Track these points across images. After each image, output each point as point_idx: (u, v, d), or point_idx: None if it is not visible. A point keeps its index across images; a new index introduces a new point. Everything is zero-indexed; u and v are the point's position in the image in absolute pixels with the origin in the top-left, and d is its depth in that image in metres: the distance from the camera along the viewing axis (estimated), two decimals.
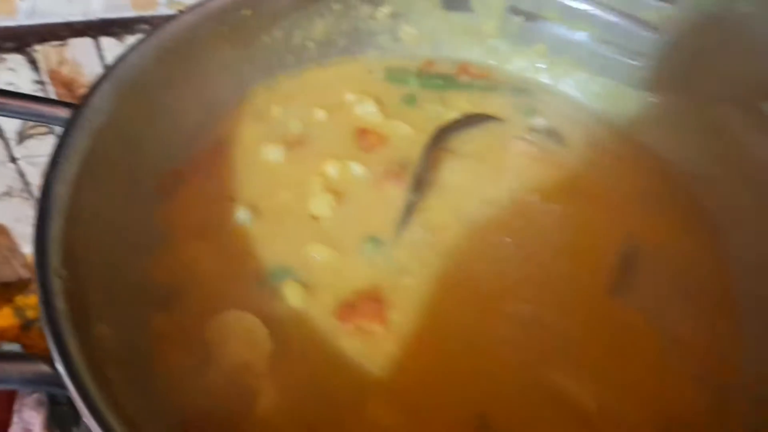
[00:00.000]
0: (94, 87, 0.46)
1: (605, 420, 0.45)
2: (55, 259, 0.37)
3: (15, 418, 0.83)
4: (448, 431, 0.44)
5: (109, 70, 0.47)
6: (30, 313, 1.02)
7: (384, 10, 0.65)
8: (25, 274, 1.04)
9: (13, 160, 0.83)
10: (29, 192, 0.89)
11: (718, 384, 0.48)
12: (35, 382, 0.34)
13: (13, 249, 0.98)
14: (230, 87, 0.59)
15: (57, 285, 0.36)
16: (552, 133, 0.62)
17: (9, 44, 0.70)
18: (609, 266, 0.53)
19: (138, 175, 0.50)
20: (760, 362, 0.48)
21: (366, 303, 0.49)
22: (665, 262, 0.55)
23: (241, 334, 0.45)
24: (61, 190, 0.40)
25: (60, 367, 0.33)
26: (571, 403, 0.46)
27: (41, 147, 0.82)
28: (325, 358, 0.46)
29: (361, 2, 0.63)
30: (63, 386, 0.34)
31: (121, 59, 0.48)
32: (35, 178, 0.87)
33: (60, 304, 0.35)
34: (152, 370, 0.43)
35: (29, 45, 0.70)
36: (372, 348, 0.47)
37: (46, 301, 0.35)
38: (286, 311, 0.47)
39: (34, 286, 1.03)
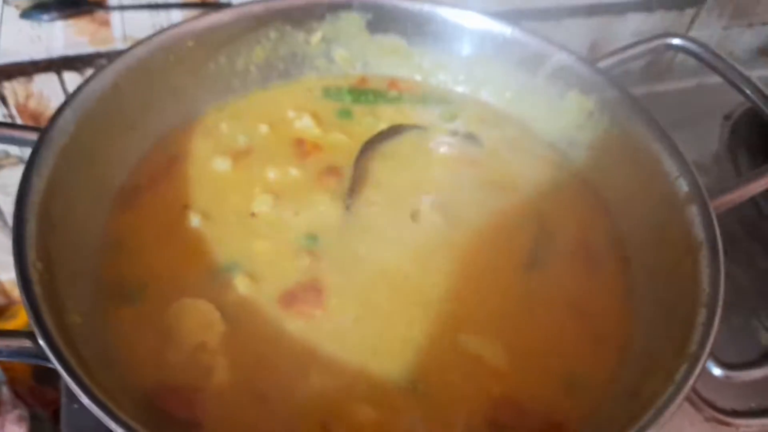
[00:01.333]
0: (58, 111, 0.53)
1: (515, 374, 0.53)
2: (31, 252, 0.44)
3: None
4: (383, 394, 0.51)
5: (70, 96, 0.54)
6: None
7: (317, 36, 0.73)
8: (1, 300, 1.09)
9: None
10: (4, 221, 0.95)
11: (618, 344, 0.57)
12: (20, 354, 0.40)
13: None
14: (182, 109, 0.66)
15: (34, 274, 0.43)
16: (470, 136, 0.71)
17: None
18: (523, 246, 0.62)
19: (100, 187, 0.57)
20: (650, 325, 0.56)
21: (306, 292, 0.56)
22: (570, 241, 0.63)
23: (196, 318, 0.52)
24: (34, 198, 0.47)
25: (42, 342, 0.40)
26: (485, 363, 0.53)
27: (12, 176, 0.88)
28: (271, 337, 0.53)
29: (294, 30, 0.71)
30: (44, 358, 0.40)
31: (81, 87, 0.55)
32: (9, 207, 0.93)
33: (38, 290, 0.42)
34: (119, 351, 0.50)
35: None
36: (313, 328, 0.54)
37: (26, 288, 0.42)
38: (236, 298, 0.54)
39: (11, 311, 1.08)
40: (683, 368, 0.44)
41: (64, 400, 0.66)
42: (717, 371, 0.73)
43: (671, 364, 0.45)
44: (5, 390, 0.94)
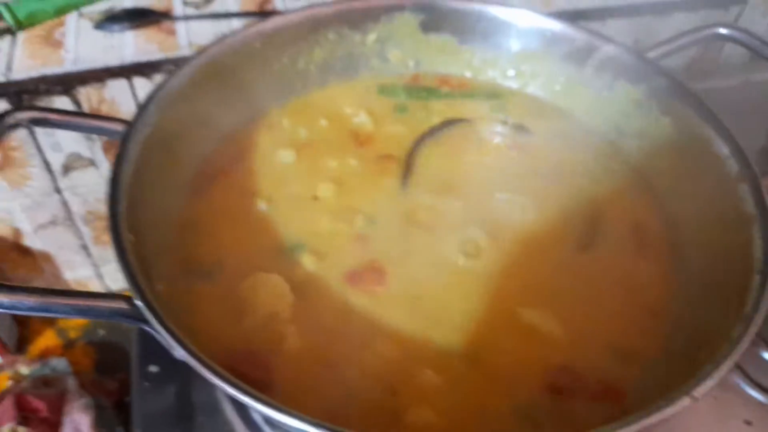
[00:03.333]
0: (144, 105, 0.57)
1: (571, 345, 0.55)
2: (124, 226, 0.48)
3: (66, 420, 0.92)
4: (446, 362, 0.54)
5: (154, 91, 0.59)
6: (72, 334, 1.13)
7: (372, 37, 0.77)
8: None
9: (59, 191, 0.95)
10: (71, 220, 1.01)
11: (670, 318, 0.58)
12: (117, 314, 0.44)
13: (57, 275, 1.09)
14: (248, 106, 0.71)
15: (127, 245, 0.47)
16: (520, 127, 0.74)
17: (57, 88, 0.82)
18: (576, 229, 0.64)
19: (177, 174, 0.61)
20: (701, 298, 0.58)
21: (368, 273, 0.59)
22: (621, 224, 0.65)
23: (268, 290, 0.56)
24: (124, 180, 0.52)
25: (139, 302, 0.44)
26: (542, 334, 0.56)
27: (84, 178, 0.94)
28: (337, 309, 0.56)
29: (351, 31, 0.75)
30: (140, 318, 0.44)
31: (163, 84, 0.60)
32: (78, 207, 0.99)
33: (132, 258, 0.46)
34: (197, 320, 0.53)
35: (74, 88, 0.83)
36: (376, 303, 0.57)
37: (122, 256, 0.46)
38: (303, 274, 0.58)
39: None
40: (738, 328, 0.45)
41: (135, 379, 0.70)
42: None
43: (727, 327, 0.46)
44: (71, 380, 0.99)
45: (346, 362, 0.53)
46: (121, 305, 0.45)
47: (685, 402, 0.41)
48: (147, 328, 0.45)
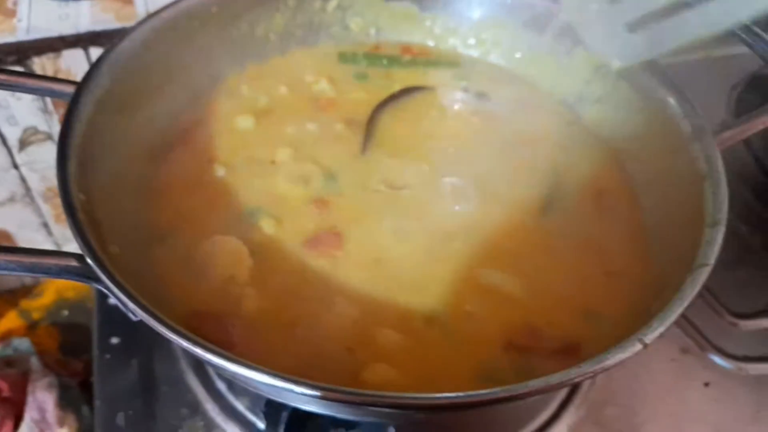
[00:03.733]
0: (94, 65, 0.56)
1: (533, 304, 0.56)
2: (74, 185, 0.47)
3: (29, 399, 0.91)
4: (406, 322, 0.54)
5: (104, 53, 0.58)
6: (35, 315, 1.11)
7: (333, 4, 0.76)
8: (28, 279, 1.13)
9: (16, 166, 0.93)
10: (31, 197, 0.99)
11: (632, 278, 0.59)
12: (67, 272, 0.43)
13: None
14: (206, 72, 0.69)
15: (78, 203, 0.46)
16: (481, 95, 0.74)
17: (11, 58, 0.80)
18: (538, 192, 0.64)
19: (134, 139, 0.60)
20: (661, 256, 0.59)
21: (328, 236, 0.59)
22: (583, 187, 0.66)
23: (226, 253, 0.55)
24: (74, 140, 0.50)
25: (90, 261, 0.43)
26: (504, 294, 0.56)
27: (41, 153, 0.92)
28: (296, 271, 0.56)
29: None
30: (91, 277, 0.44)
31: (114, 45, 0.59)
32: (37, 184, 0.97)
33: (82, 216, 0.45)
34: (154, 284, 0.53)
35: (28, 57, 0.81)
36: (336, 266, 0.57)
37: (72, 213, 0.45)
38: (262, 237, 0.57)
39: (38, 289, 1.12)
40: (689, 278, 0.46)
41: (96, 351, 0.69)
42: (728, 319, 0.76)
43: (678, 280, 0.47)
44: (35, 360, 0.97)
45: (305, 323, 0.53)
46: (71, 262, 0.44)
47: (636, 347, 0.42)
48: (98, 287, 0.44)
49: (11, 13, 0.82)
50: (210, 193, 0.61)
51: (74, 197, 0.46)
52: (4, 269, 0.41)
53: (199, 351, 0.40)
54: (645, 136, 0.65)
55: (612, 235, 0.62)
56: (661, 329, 0.42)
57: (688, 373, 0.73)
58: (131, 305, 0.41)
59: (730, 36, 0.68)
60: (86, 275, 0.44)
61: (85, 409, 0.95)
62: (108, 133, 0.56)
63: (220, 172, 0.62)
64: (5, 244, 1.04)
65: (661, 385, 0.71)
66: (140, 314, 0.41)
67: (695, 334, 0.74)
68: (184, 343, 0.41)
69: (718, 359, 0.73)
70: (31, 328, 1.09)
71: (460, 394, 0.38)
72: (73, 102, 0.53)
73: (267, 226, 0.58)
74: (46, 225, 1.04)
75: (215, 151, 0.64)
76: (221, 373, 0.63)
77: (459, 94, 0.74)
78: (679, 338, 0.73)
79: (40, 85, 0.56)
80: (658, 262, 0.58)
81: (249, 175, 0.62)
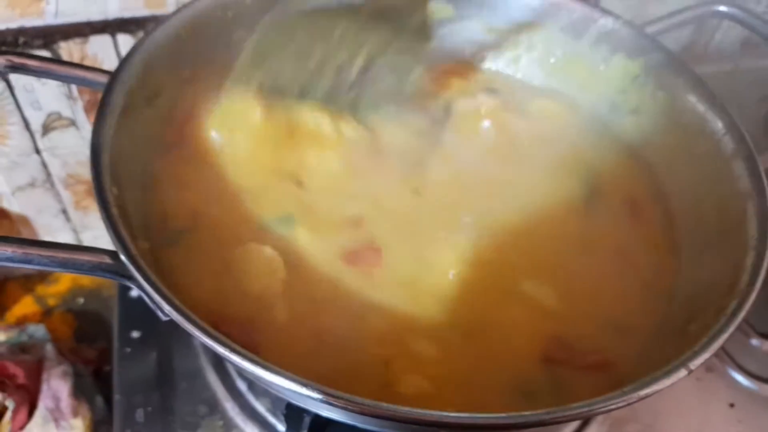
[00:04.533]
0: (128, 55, 0.55)
1: (566, 316, 0.55)
2: (107, 178, 0.46)
3: (44, 387, 0.90)
4: (441, 334, 0.53)
5: (138, 43, 0.57)
6: (51, 301, 1.10)
7: None
8: None
9: (38, 151, 0.92)
10: (51, 183, 0.98)
11: (665, 291, 0.58)
12: (100, 269, 0.43)
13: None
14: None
15: (111, 198, 0.45)
16: (515, 100, 0.73)
17: (37, 41, 0.79)
18: (571, 200, 0.63)
19: (159, 134, 0.59)
20: (697, 272, 0.57)
21: (366, 251, 0.58)
22: (617, 196, 0.65)
23: (261, 262, 0.54)
24: (107, 131, 0.50)
25: (124, 257, 0.42)
26: (537, 304, 0.55)
27: (64, 139, 0.91)
28: (330, 285, 0.55)
29: None
30: (123, 274, 0.43)
31: (148, 35, 0.58)
32: (58, 170, 0.96)
33: (115, 211, 0.45)
34: (182, 283, 0.52)
35: (55, 42, 0.80)
36: (371, 282, 0.55)
37: (106, 208, 0.44)
38: (297, 248, 0.56)
39: (54, 276, 1.11)
40: (734, 303, 0.45)
41: (116, 344, 0.69)
42: (754, 341, 0.75)
43: (721, 302, 0.46)
44: (49, 347, 0.96)
45: (337, 333, 0.52)
46: (104, 259, 0.43)
47: (681, 374, 0.41)
48: (130, 285, 0.43)
49: None
50: (237, 195, 0.60)
51: (108, 191, 0.45)
52: (37, 264, 0.41)
53: (229, 354, 0.39)
54: (683, 150, 0.64)
55: (646, 246, 0.61)
56: (706, 355, 0.41)
57: (712, 392, 0.72)
58: (166, 307, 0.40)
59: (759, 47, 0.66)
60: (119, 273, 0.43)
61: (98, 400, 0.94)
62: (137, 125, 0.55)
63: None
64: (23, 228, 1.04)
65: (684, 404, 0.70)
66: (174, 315, 0.40)
67: (721, 353, 0.73)
68: (216, 346, 0.40)
69: (743, 379, 0.72)
70: (46, 315, 1.08)
71: (501, 415, 0.37)
72: (107, 92, 0.52)
73: (301, 237, 0.57)
74: (65, 211, 1.03)
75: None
76: (244, 374, 0.62)
77: (491, 98, 0.73)
78: None
79: (71, 73, 0.55)
80: (693, 280, 0.57)
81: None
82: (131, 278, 0.42)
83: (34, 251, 0.41)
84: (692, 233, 0.60)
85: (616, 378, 0.49)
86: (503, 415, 0.36)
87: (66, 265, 0.42)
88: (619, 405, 0.38)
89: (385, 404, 0.37)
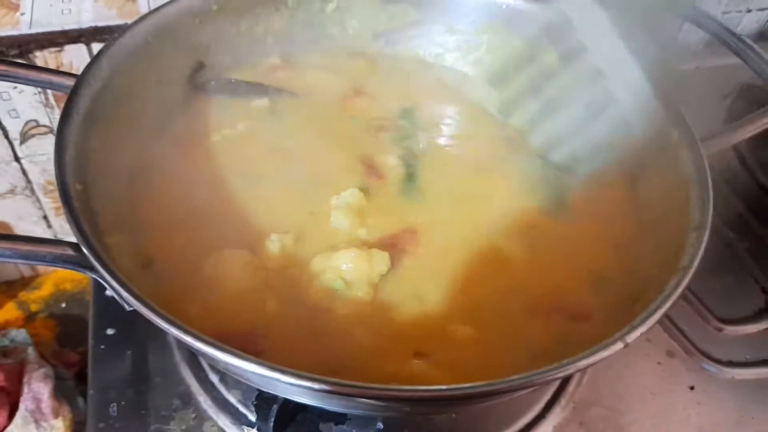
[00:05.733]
0: (94, 59, 0.57)
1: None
2: (70, 174, 0.48)
3: (25, 389, 0.92)
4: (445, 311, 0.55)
5: (105, 47, 0.59)
6: (33, 306, 1.12)
7: (332, 5, 0.77)
8: (27, 271, 1.14)
9: (17, 159, 0.94)
10: (31, 190, 0.99)
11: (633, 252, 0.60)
12: (62, 260, 0.44)
13: None
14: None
15: (74, 192, 0.47)
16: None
17: (13, 51, 0.81)
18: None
19: (133, 137, 0.61)
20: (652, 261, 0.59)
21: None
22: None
23: (238, 266, 0.56)
24: (71, 131, 0.52)
25: (85, 249, 0.44)
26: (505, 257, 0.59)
27: (42, 146, 0.93)
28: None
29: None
30: (85, 265, 0.45)
31: (115, 39, 0.60)
32: (37, 177, 0.98)
33: (78, 205, 0.46)
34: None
35: (30, 51, 0.82)
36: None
37: (67, 202, 0.46)
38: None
39: (37, 282, 1.12)
40: (673, 281, 0.47)
41: (92, 341, 0.70)
42: (714, 325, 0.77)
43: (661, 282, 0.48)
44: (31, 350, 0.98)
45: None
46: (66, 251, 0.45)
47: (617, 346, 0.43)
48: (95, 277, 0.45)
49: (15, 7, 0.83)
50: (210, 198, 0.61)
51: (70, 186, 0.47)
52: (2, 256, 0.42)
53: (189, 340, 0.41)
54: (641, 141, 0.66)
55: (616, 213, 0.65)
56: (642, 329, 0.43)
57: (673, 376, 0.74)
58: (124, 294, 0.42)
59: (722, 46, 0.69)
60: (81, 264, 0.45)
61: (80, 401, 0.96)
62: (102, 124, 0.57)
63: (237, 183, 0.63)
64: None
65: (646, 387, 0.72)
66: (133, 303, 0.42)
67: (681, 338, 0.76)
68: (175, 332, 0.41)
69: (703, 363, 0.74)
70: (28, 320, 1.09)
71: (442, 387, 0.39)
72: (73, 93, 0.54)
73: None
74: (45, 218, 1.05)
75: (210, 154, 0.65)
76: (214, 365, 0.64)
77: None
78: (665, 342, 0.74)
79: (41, 77, 0.57)
80: (646, 262, 0.59)
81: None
82: (92, 269, 0.44)
83: None
84: (650, 223, 0.62)
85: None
86: (444, 387, 0.38)
87: (28, 257, 0.43)
88: (557, 376, 0.40)
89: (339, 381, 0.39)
